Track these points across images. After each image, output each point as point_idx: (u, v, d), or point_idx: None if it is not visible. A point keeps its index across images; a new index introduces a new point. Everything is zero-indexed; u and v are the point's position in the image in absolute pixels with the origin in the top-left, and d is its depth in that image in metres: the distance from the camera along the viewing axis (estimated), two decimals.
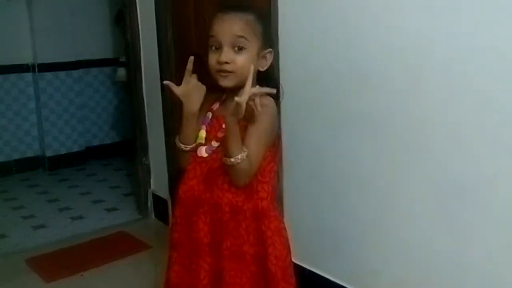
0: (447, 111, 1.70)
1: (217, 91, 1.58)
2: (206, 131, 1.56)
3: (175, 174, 3.13)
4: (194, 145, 1.55)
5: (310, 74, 2.15)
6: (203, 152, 1.54)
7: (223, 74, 1.46)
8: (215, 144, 1.53)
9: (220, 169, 1.49)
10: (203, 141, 1.55)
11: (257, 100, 1.35)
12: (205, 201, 1.52)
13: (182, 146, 1.55)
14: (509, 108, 1.54)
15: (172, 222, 1.63)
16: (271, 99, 1.50)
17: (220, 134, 1.52)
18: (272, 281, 1.51)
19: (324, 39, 2.06)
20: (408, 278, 1.91)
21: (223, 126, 1.47)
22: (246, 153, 1.40)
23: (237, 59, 1.45)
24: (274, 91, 1.41)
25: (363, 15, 1.91)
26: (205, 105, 1.58)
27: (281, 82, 2.21)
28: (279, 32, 2.20)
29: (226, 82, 1.48)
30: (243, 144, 1.42)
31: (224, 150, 1.43)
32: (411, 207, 1.86)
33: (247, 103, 1.33)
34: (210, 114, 1.58)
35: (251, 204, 1.50)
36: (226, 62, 1.44)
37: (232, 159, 1.39)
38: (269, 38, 1.56)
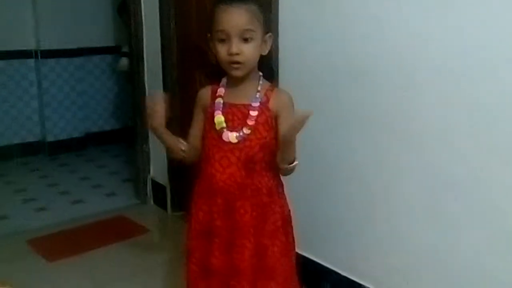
0: (440, 109, 1.75)
1: (214, 78, 1.68)
2: (226, 119, 1.61)
3: (175, 161, 3.23)
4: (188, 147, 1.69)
5: (308, 68, 2.21)
6: (231, 137, 1.60)
7: (235, 66, 1.55)
8: (247, 131, 1.59)
9: (257, 156, 1.61)
10: (224, 126, 1.61)
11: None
12: (248, 186, 1.62)
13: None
14: (498, 108, 1.59)
15: (211, 212, 1.66)
16: (288, 93, 1.67)
17: (250, 122, 1.59)
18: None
19: (323, 36, 2.12)
20: (398, 265, 1.98)
21: (251, 113, 1.59)
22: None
23: (246, 50, 1.53)
24: (308, 115, 1.46)
25: (361, 12, 1.96)
26: (208, 93, 1.68)
27: (280, 71, 2.28)
28: (279, 27, 2.25)
29: (238, 73, 1.57)
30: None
31: (285, 159, 1.56)
32: (403, 199, 1.93)
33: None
34: (221, 100, 1.63)
35: (275, 184, 1.69)
36: (237, 54, 1.52)
37: (294, 163, 1.57)
38: (268, 24, 1.64)
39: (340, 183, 2.17)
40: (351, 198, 2.13)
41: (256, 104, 1.61)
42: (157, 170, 3.45)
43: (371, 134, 2.01)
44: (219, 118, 1.61)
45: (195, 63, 2.87)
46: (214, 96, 1.66)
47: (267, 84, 1.66)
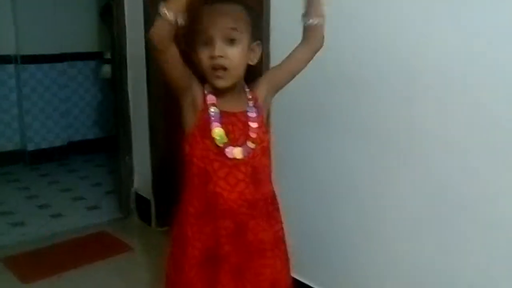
0: (439, 117, 1.70)
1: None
2: (227, 130, 1.45)
3: (160, 173, 3.11)
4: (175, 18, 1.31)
5: (301, 76, 2.09)
6: (237, 153, 1.45)
7: (219, 73, 1.40)
8: (251, 145, 1.46)
9: (261, 163, 1.50)
10: (226, 141, 1.44)
11: None
12: (258, 201, 1.51)
13: (169, 15, 1.31)
14: (499, 113, 1.55)
15: (217, 236, 1.49)
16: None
17: (253, 135, 1.47)
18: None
19: None
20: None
21: (252, 125, 1.48)
22: None
23: (231, 53, 1.39)
24: None
25: (357, 18, 1.90)
26: (199, 86, 1.49)
27: None
28: (270, 33, 2.17)
29: (223, 83, 1.42)
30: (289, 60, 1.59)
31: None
32: (401, 216, 1.86)
33: None
34: (216, 110, 1.46)
35: (274, 191, 1.59)
36: (220, 56, 1.38)
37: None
38: (257, 30, 1.51)
39: (335, 201, 2.08)
40: (345, 216, 2.06)
41: (254, 115, 1.49)
42: (141, 182, 3.33)
43: (367, 145, 1.94)
44: (219, 131, 1.44)
45: None
46: (204, 100, 1.48)
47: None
